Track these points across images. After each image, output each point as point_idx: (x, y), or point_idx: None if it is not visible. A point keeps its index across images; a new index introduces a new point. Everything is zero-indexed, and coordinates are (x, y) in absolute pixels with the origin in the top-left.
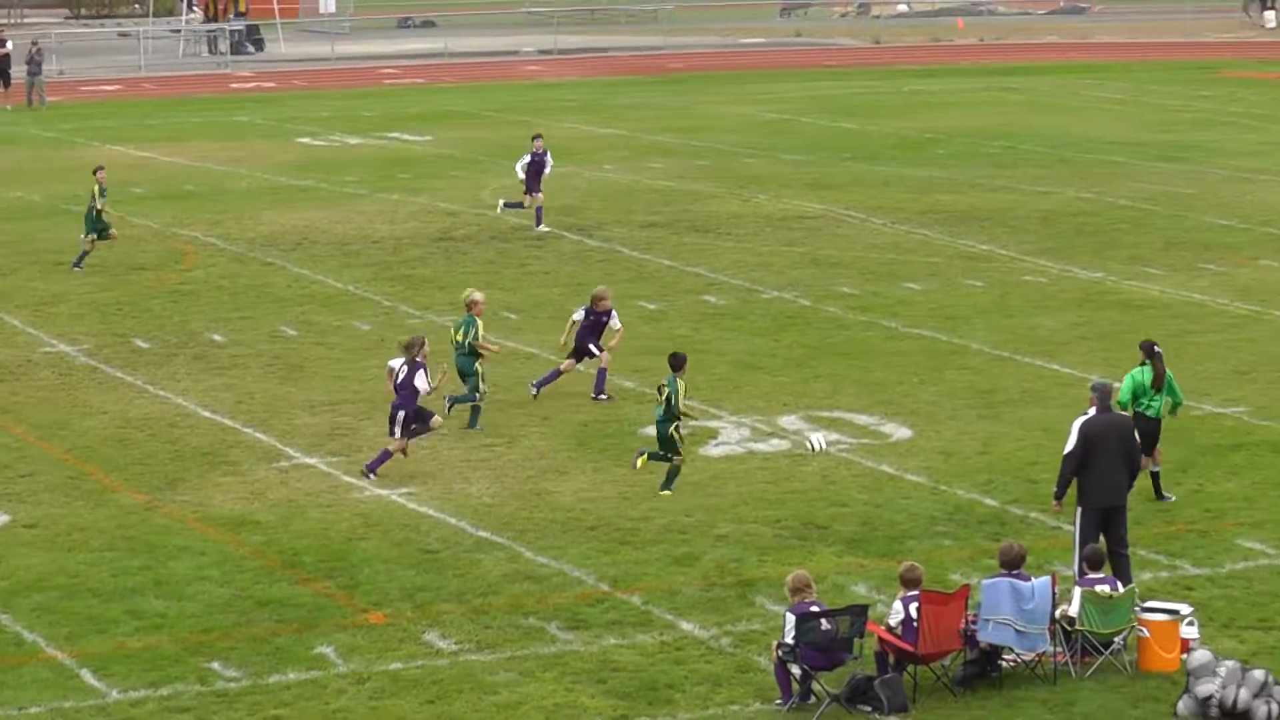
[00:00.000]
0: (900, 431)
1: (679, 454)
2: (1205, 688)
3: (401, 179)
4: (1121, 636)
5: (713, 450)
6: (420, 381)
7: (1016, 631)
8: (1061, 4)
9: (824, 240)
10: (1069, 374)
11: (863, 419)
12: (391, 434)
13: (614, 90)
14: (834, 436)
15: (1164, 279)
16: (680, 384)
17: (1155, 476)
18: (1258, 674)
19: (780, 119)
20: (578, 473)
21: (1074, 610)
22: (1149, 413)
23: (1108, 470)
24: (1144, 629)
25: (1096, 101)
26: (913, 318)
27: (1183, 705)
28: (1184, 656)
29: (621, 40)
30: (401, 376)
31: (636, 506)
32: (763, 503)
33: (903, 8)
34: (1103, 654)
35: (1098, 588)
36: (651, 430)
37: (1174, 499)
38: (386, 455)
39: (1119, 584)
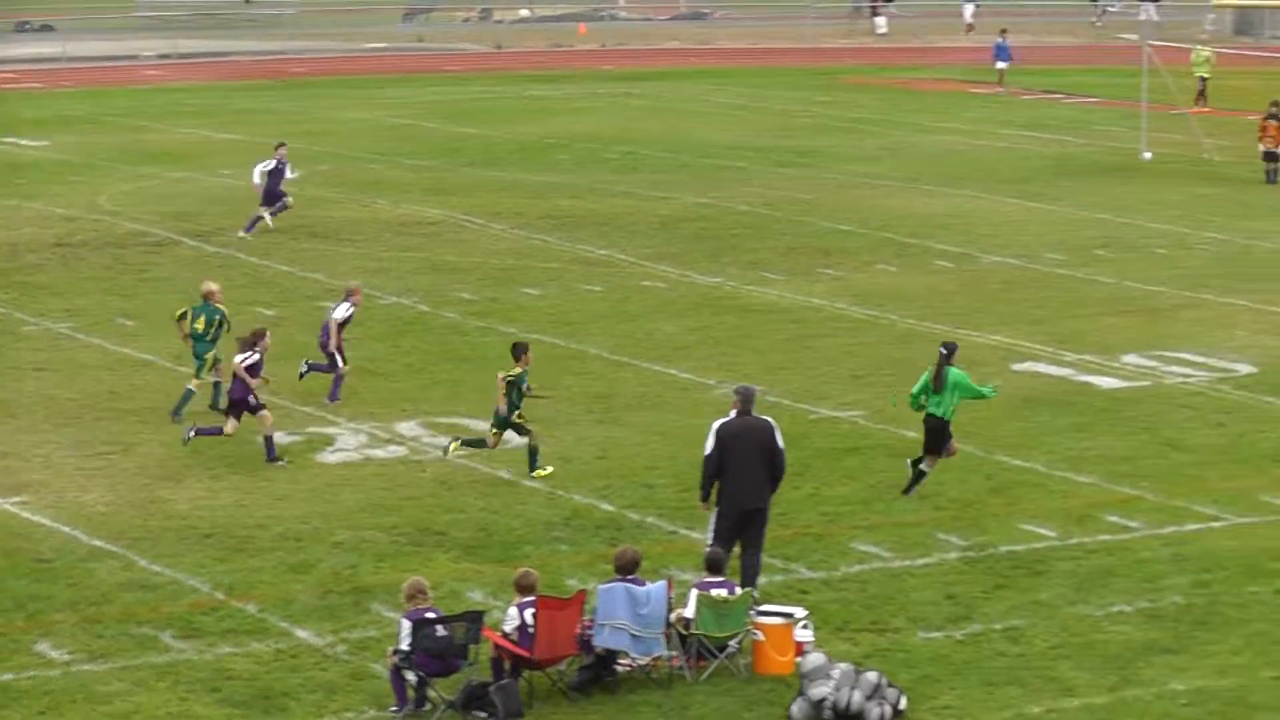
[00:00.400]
0: (518, 438)
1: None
2: (819, 690)
3: (18, 185)
4: (736, 640)
5: (329, 457)
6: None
7: (632, 636)
8: (683, 9)
9: (444, 246)
10: (687, 379)
11: (481, 425)
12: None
13: (234, 95)
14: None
15: (783, 284)
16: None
17: (921, 474)
18: (871, 676)
19: (402, 124)
20: (194, 480)
21: (690, 614)
22: (935, 412)
23: (743, 474)
24: (758, 632)
25: (717, 107)
26: (531, 323)
27: (796, 708)
28: (798, 660)
29: (244, 44)
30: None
31: (253, 514)
32: (380, 509)
33: (524, 13)
34: (718, 658)
35: (714, 592)
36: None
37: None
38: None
39: (736, 587)
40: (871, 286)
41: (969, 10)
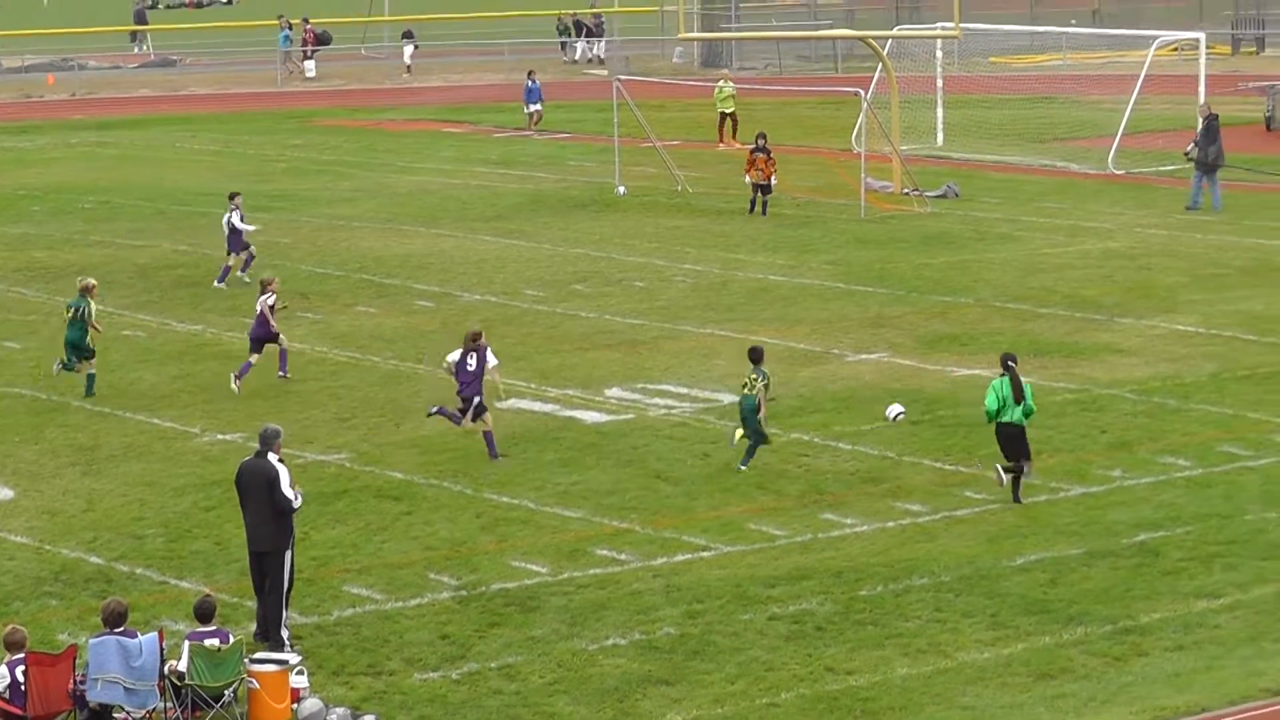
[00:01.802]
0: (2, 492)
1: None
2: None
3: None
4: (231, 689)
5: None
6: (492, 361)
7: (125, 689)
8: (152, 57)
9: None
10: (170, 427)
11: None
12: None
13: None
14: None
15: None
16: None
17: (1017, 481)
18: None
19: None
20: None
21: (183, 665)
22: (1013, 419)
23: (252, 516)
24: (254, 680)
25: (191, 154)
26: (12, 377)
27: None
28: (294, 706)
29: None
30: (473, 363)
31: None
32: None
33: None
34: (214, 707)
35: (206, 641)
36: None
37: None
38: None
39: (229, 636)
40: (353, 328)
41: (408, 52)
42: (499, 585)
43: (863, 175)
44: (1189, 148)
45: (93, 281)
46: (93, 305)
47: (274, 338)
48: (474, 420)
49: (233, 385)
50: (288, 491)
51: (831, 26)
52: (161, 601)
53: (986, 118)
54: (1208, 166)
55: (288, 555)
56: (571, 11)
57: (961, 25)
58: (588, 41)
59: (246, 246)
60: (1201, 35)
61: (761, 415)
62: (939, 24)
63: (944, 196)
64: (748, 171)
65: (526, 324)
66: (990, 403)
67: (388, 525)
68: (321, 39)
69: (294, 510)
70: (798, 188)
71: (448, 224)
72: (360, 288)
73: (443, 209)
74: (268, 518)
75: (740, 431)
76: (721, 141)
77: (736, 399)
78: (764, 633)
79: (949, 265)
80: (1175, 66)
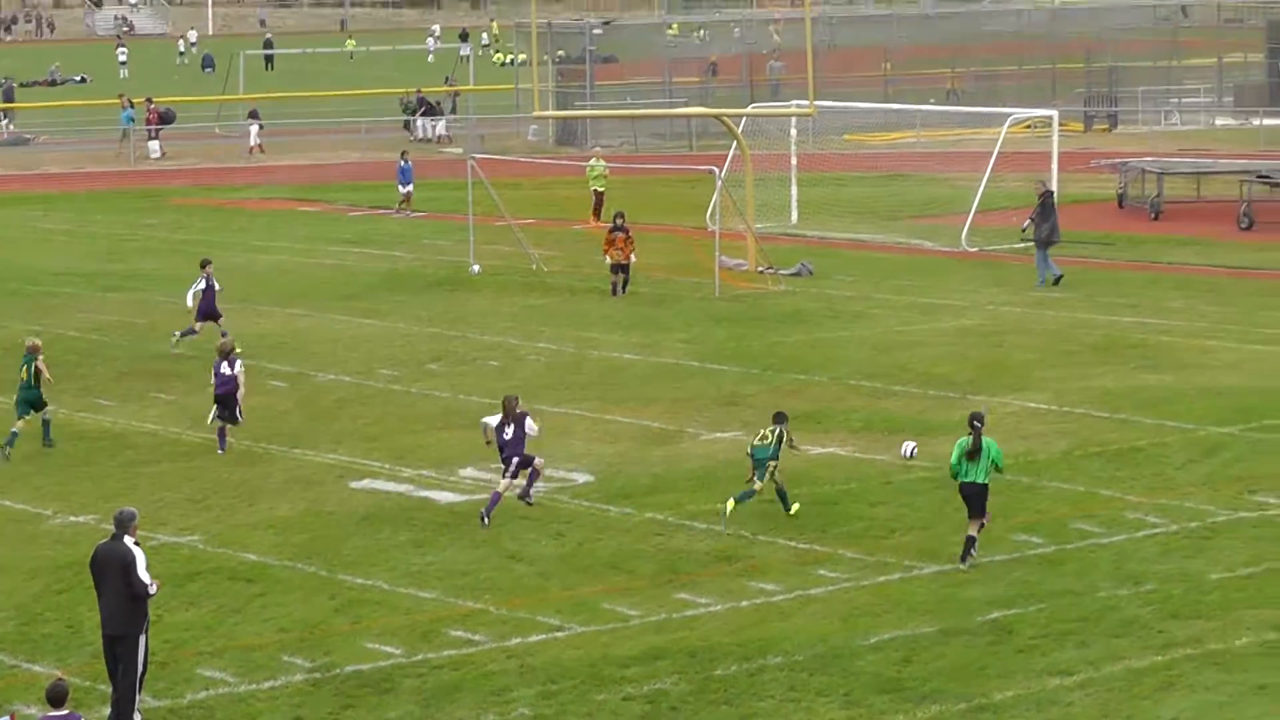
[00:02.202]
0: None
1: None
2: None
3: None
4: None
5: None
6: (531, 427)
7: None
8: (5, 135)
9: None
10: (22, 509)
11: None
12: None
13: None
14: None
15: (116, 409)
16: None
17: (971, 541)
18: None
19: None
20: None
21: None
22: (973, 479)
23: (106, 600)
24: None
25: (43, 232)
26: None
27: None
28: None
29: None
30: (510, 432)
31: None
32: None
33: None
34: None
35: None
36: None
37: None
38: (498, 498)
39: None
40: (206, 409)
41: (254, 131)
42: (353, 667)
43: (717, 253)
44: (1025, 224)
45: (38, 341)
46: (40, 360)
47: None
48: (514, 477)
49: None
50: (143, 576)
51: (687, 104)
52: (14, 685)
53: (841, 195)
54: (1042, 242)
55: (142, 639)
56: (416, 89)
57: (816, 103)
58: (430, 120)
59: (217, 316)
60: (1055, 113)
61: (774, 465)
62: (794, 102)
63: (798, 274)
64: (606, 251)
65: (380, 404)
66: (952, 460)
67: (241, 607)
68: (165, 118)
69: (150, 596)
70: (653, 266)
71: (303, 303)
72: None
73: (298, 288)
74: (122, 601)
75: (732, 504)
76: (595, 219)
77: (590, 478)
78: (618, 713)
79: (803, 343)
80: (1029, 144)
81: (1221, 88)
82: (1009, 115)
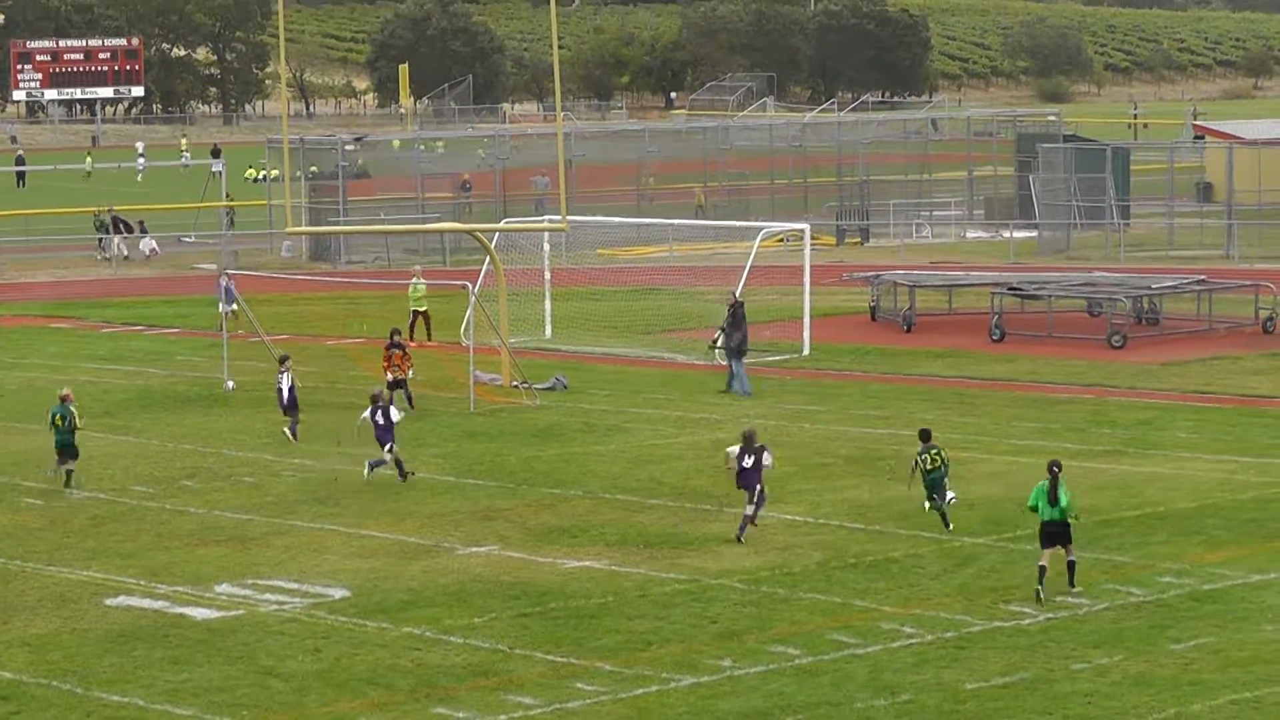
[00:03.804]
0: None
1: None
2: None
3: None
4: None
5: None
6: (768, 459)
7: None
8: None
9: None
10: None
11: None
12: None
13: None
14: None
15: None
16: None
17: (1071, 565)
18: None
19: None
20: None
21: None
22: (1052, 518)
23: None
24: None
25: None
26: None
27: None
28: None
29: None
30: (750, 460)
31: None
32: None
33: None
34: None
35: None
36: None
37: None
38: (748, 520)
39: None
40: None
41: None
42: None
43: (471, 369)
44: (716, 336)
45: (70, 391)
46: (74, 409)
47: None
48: (757, 509)
49: None
50: None
51: (439, 220)
52: None
53: (595, 310)
54: (735, 351)
55: None
56: (109, 207)
57: (569, 218)
58: (124, 238)
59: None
60: (806, 226)
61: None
62: (545, 217)
63: (553, 389)
64: (386, 368)
65: (135, 520)
66: (1030, 500)
67: None
68: None
69: None
70: (408, 381)
71: None
72: None
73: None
74: None
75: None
76: (413, 340)
77: (347, 593)
78: None
79: (558, 457)
80: (781, 257)
81: (972, 200)
82: (761, 229)
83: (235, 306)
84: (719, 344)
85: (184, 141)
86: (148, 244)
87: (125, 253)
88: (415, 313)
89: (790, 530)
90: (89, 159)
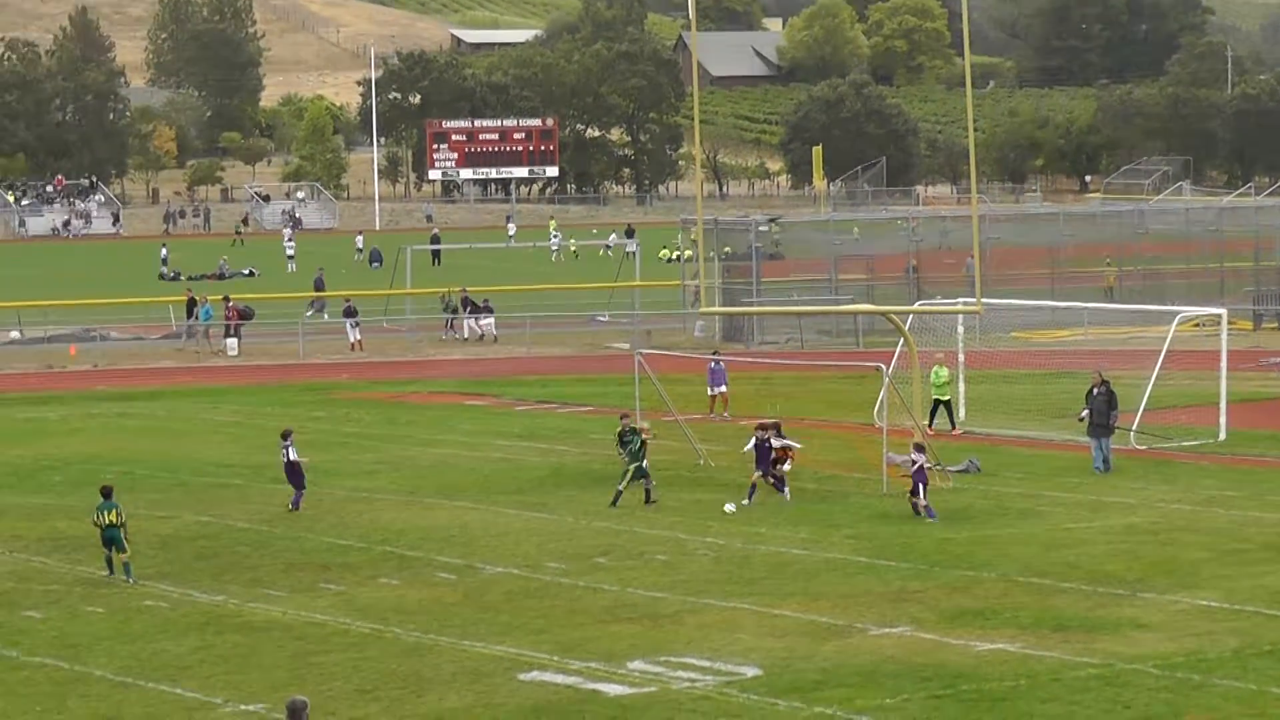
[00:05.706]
0: None
1: None
2: None
3: None
4: None
5: None
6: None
7: None
8: (174, 328)
9: None
10: (194, 698)
11: None
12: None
13: None
14: None
15: (285, 600)
16: None
17: None
18: None
19: None
20: None
21: None
22: None
23: None
24: None
25: (211, 425)
26: (33, 646)
27: None
28: None
29: None
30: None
31: None
32: None
33: (15, 334)
34: None
35: None
36: None
37: None
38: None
39: None
40: (375, 600)
41: (351, 327)
42: None
43: (884, 450)
44: (1082, 413)
45: (110, 485)
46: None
47: None
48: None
49: None
50: None
51: (853, 301)
52: None
53: (1008, 392)
54: (1106, 429)
55: None
56: (461, 288)
57: (983, 300)
58: (475, 319)
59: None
60: (1223, 310)
61: None
62: (960, 299)
63: (966, 471)
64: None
65: (550, 596)
66: None
67: None
68: (244, 314)
69: None
70: (819, 461)
71: (470, 496)
72: (382, 560)
73: (465, 482)
74: None
75: None
76: (932, 429)
77: (759, 672)
78: None
79: (971, 540)
80: (1197, 342)
81: None
82: (1177, 313)
83: (724, 388)
84: (1082, 419)
85: (553, 224)
86: (489, 325)
87: (480, 333)
88: (936, 401)
89: (1206, 616)
90: (511, 228)
